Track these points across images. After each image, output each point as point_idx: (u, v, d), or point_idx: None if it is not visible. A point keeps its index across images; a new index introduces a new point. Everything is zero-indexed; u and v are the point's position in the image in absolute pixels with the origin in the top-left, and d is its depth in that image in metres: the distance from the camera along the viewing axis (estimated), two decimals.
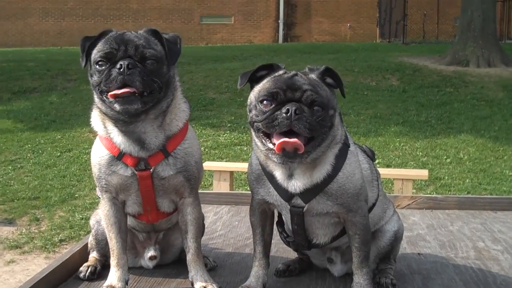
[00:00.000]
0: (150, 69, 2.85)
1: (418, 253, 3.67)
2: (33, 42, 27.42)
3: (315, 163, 2.76)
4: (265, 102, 2.68)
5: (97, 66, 2.87)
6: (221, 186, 7.42)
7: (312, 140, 2.66)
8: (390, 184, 8.40)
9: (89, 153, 9.98)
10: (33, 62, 18.99)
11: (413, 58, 18.06)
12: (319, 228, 2.95)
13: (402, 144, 11.66)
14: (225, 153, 11.18)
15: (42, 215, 8.69)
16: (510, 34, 26.27)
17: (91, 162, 3.06)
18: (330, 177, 2.77)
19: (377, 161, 3.75)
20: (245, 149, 11.41)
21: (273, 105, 2.66)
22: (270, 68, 2.82)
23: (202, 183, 7.30)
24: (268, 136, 2.68)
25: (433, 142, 11.84)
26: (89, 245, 3.41)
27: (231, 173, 7.66)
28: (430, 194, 9.10)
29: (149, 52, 2.86)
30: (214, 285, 3.03)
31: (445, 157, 11.00)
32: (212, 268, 3.34)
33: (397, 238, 3.17)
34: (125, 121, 2.91)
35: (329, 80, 2.78)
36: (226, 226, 4.24)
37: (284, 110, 2.61)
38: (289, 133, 2.61)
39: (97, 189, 3.11)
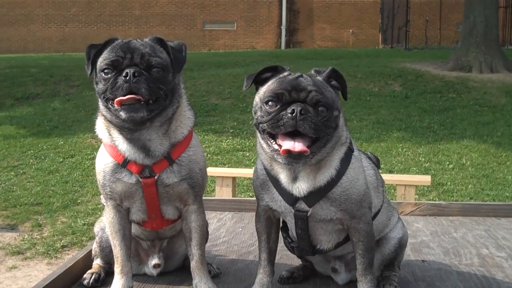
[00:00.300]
0: (155, 77, 2.86)
1: (422, 260, 3.66)
2: (36, 48, 27.46)
3: (320, 166, 2.77)
4: (270, 103, 2.70)
5: (103, 74, 2.88)
6: (224, 192, 7.41)
7: (317, 141, 2.67)
8: (392, 190, 8.38)
9: (91, 159, 10.00)
10: (36, 68, 19.02)
11: (415, 64, 18.05)
12: (323, 234, 2.95)
13: (404, 150, 11.65)
14: (227, 159, 11.17)
15: (44, 221, 8.68)
16: None
17: (96, 169, 3.07)
18: (333, 181, 2.78)
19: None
20: (247, 155, 11.41)
21: (278, 106, 2.68)
22: (275, 70, 2.85)
23: None
24: (274, 137, 2.70)
25: (436, 147, 11.82)
26: (93, 252, 3.41)
27: (234, 179, 7.65)
28: (432, 199, 9.09)
29: (155, 60, 2.87)
30: None
31: (447, 162, 10.99)
32: (215, 275, 3.34)
33: (401, 245, 3.17)
34: (130, 128, 2.91)
35: (334, 82, 2.81)
36: (229, 233, 4.24)
37: (289, 110, 2.63)
38: (294, 133, 2.63)
39: (101, 196, 3.12)
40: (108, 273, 3.29)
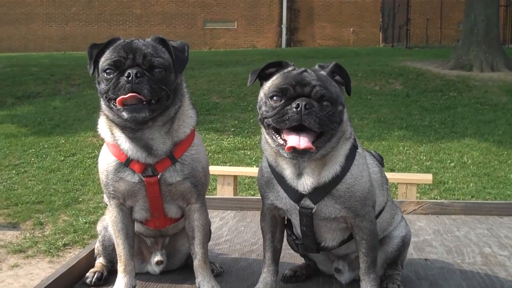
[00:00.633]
0: (158, 78, 2.86)
1: (425, 259, 3.66)
2: (37, 47, 27.46)
3: (325, 161, 2.78)
4: (275, 98, 2.71)
5: (105, 74, 2.88)
6: (225, 191, 7.39)
7: (322, 135, 2.68)
8: (394, 189, 8.38)
9: (92, 158, 9.99)
10: (36, 67, 19.02)
11: (416, 63, 18.04)
12: (327, 232, 2.95)
13: (405, 148, 11.64)
14: (228, 158, 11.17)
15: (46, 219, 8.68)
16: None
17: (99, 168, 3.07)
18: (338, 178, 2.78)
19: None
20: (248, 153, 11.41)
21: (283, 101, 2.69)
22: (279, 65, 2.86)
23: None
24: (279, 132, 2.71)
25: (437, 146, 11.82)
26: (95, 251, 3.41)
27: (235, 177, 7.64)
28: (434, 198, 9.09)
29: (157, 60, 2.87)
30: None
31: (449, 161, 10.98)
32: (218, 274, 3.34)
33: (404, 243, 3.18)
34: (132, 128, 2.91)
35: (337, 77, 2.82)
36: (232, 232, 4.24)
37: (294, 105, 2.64)
38: (299, 128, 2.64)
39: (104, 195, 3.12)
40: (110, 271, 3.29)
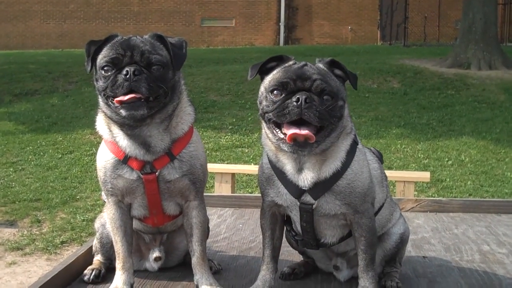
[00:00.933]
0: (156, 75, 2.85)
1: (423, 256, 3.66)
2: (35, 45, 27.40)
3: (325, 156, 2.78)
4: (275, 92, 2.72)
5: (103, 72, 2.87)
6: (223, 188, 7.39)
7: (322, 129, 2.68)
8: (392, 187, 8.36)
9: (90, 155, 9.97)
10: (34, 65, 18.99)
11: (414, 61, 18.04)
12: (327, 228, 2.96)
13: (403, 146, 11.64)
14: (226, 155, 11.16)
15: (44, 217, 8.67)
16: (511, 37, 26.24)
17: (97, 165, 3.06)
18: (339, 173, 2.79)
19: None
20: (246, 151, 11.40)
21: (283, 95, 2.70)
22: (279, 60, 2.86)
23: None
24: (279, 126, 2.71)
25: (435, 144, 11.82)
26: (93, 248, 3.41)
27: (233, 175, 7.63)
28: (432, 196, 9.09)
29: (155, 58, 2.86)
30: None
31: (446, 159, 10.99)
32: (217, 271, 3.34)
33: (403, 240, 3.18)
34: (130, 125, 2.91)
35: (337, 71, 2.82)
36: (230, 229, 4.23)
37: (294, 99, 2.65)
38: (299, 122, 2.64)
39: (102, 192, 3.11)
40: (108, 269, 3.29)
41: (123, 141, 2.96)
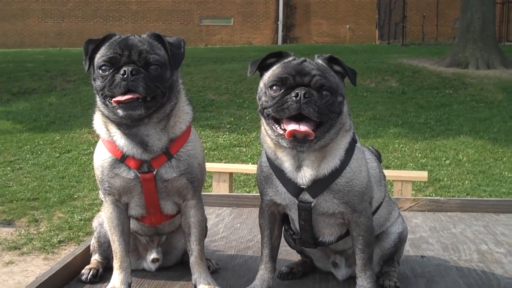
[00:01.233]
0: (153, 75, 2.85)
1: (421, 256, 3.66)
2: (33, 43, 27.37)
3: (324, 154, 2.78)
4: (274, 87, 2.73)
5: (101, 71, 2.86)
6: (221, 188, 7.40)
7: (321, 125, 2.68)
8: (389, 186, 8.37)
9: (88, 154, 9.92)
10: (32, 63, 18.96)
11: (412, 60, 18.04)
12: (325, 227, 2.95)
13: (401, 146, 11.65)
14: (224, 154, 11.16)
15: (41, 216, 8.66)
16: (509, 36, 26.26)
17: (94, 165, 3.05)
18: (337, 171, 2.79)
19: None
20: (244, 150, 11.40)
21: (283, 90, 2.70)
22: (279, 56, 2.87)
23: None
24: (278, 122, 2.72)
25: (432, 143, 11.83)
26: (91, 248, 3.40)
27: (231, 174, 7.64)
28: (429, 195, 9.10)
29: (152, 57, 2.86)
30: (217, 287, 3.02)
31: (444, 158, 10.99)
32: (215, 270, 3.34)
33: (401, 240, 3.18)
34: (128, 124, 2.90)
35: (336, 67, 2.82)
36: (228, 228, 4.23)
37: (293, 94, 2.65)
38: (298, 117, 2.64)
39: (99, 191, 3.10)
40: (106, 268, 3.28)
41: (121, 140, 2.95)
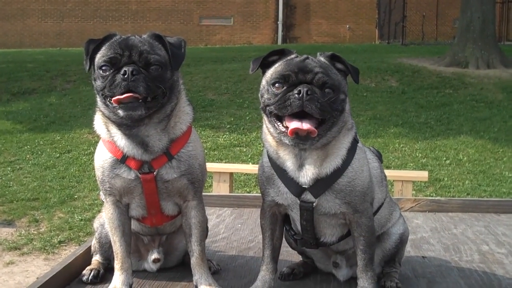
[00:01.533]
0: (154, 75, 2.85)
1: (423, 256, 3.66)
2: (32, 43, 27.37)
3: (326, 152, 2.78)
4: (277, 84, 2.73)
5: (101, 71, 2.86)
6: (221, 188, 7.39)
7: (323, 123, 2.69)
8: (390, 186, 8.36)
9: (88, 154, 9.92)
10: (32, 63, 18.95)
11: (412, 60, 18.03)
12: (327, 227, 2.95)
13: (401, 146, 11.64)
14: (224, 154, 11.15)
15: (41, 216, 8.66)
16: (509, 35, 26.24)
17: (95, 165, 3.05)
18: (339, 171, 2.79)
19: None
20: (244, 150, 11.39)
21: (285, 87, 2.71)
22: (281, 53, 2.87)
23: None
24: (280, 119, 2.72)
25: (433, 143, 11.83)
26: (92, 248, 3.40)
27: (231, 174, 7.64)
28: (429, 195, 9.09)
29: (153, 58, 2.85)
30: None
31: (444, 158, 10.99)
32: (216, 271, 3.33)
33: (402, 241, 3.17)
34: (128, 125, 2.90)
35: (339, 65, 2.83)
36: (229, 229, 4.22)
37: (296, 91, 2.66)
38: (300, 115, 2.64)
39: (100, 192, 3.10)
40: (107, 269, 3.28)
41: (121, 141, 2.95)
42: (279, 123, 2.72)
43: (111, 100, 2.82)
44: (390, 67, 16.73)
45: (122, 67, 2.81)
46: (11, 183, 9.94)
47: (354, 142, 2.87)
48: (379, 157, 3.18)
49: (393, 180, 7.21)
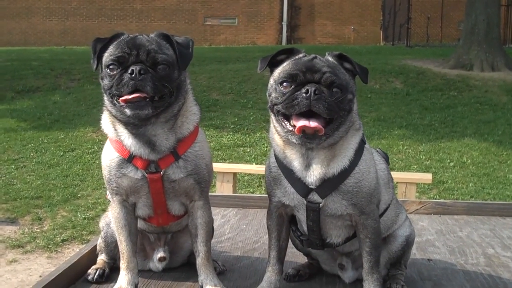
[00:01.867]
0: (161, 74, 2.84)
1: (428, 259, 3.65)
2: (37, 42, 27.43)
3: (333, 153, 2.77)
4: (284, 84, 2.72)
5: (108, 70, 2.86)
6: (224, 188, 7.38)
7: (331, 122, 2.68)
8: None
9: (92, 153, 9.94)
10: (36, 62, 18.98)
11: (416, 61, 18.03)
12: (333, 228, 2.94)
13: (405, 148, 11.63)
14: (228, 154, 11.15)
15: (45, 215, 8.66)
16: None
17: (102, 164, 3.04)
18: (346, 171, 2.78)
19: None
20: (248, 150, 11.39)
21: (293, 87, 2.70)
22: (289, 52, 2.87)
23: None
24: (288, 119, 2.71)
25: (437, 145, 11.81)
26: (97, 248, 3.39)
27: (234, 174, 7.63)
28: (433, 197, 9.08)
29: (160, 57, 2.85)
30: None
31: (448, 160, 10.98)
32: (221, 272, 3.33)
33: (408, 243, 3.16)
34: (135, 124, 2.90)
35: (347, 65, 2.83)
36: (234, 229, 4.22)
37: (303, 90, 2.65)
38: (308, 114, 2.64)
39: (107, 191, 3.09)
40: (113, 268, 3.27)
41: (128, 140, 2.94)
42: (286, 122, 2.72)
43: (119, 99, 2.82)
44: (394, 69, 16.73)
45: (130, 66, 2.81)
46: (14, 181, 9.95)
47: (362, 143, 2.86)
48: (386, 158, 3.18)
49: (397, 182, 7.18)
